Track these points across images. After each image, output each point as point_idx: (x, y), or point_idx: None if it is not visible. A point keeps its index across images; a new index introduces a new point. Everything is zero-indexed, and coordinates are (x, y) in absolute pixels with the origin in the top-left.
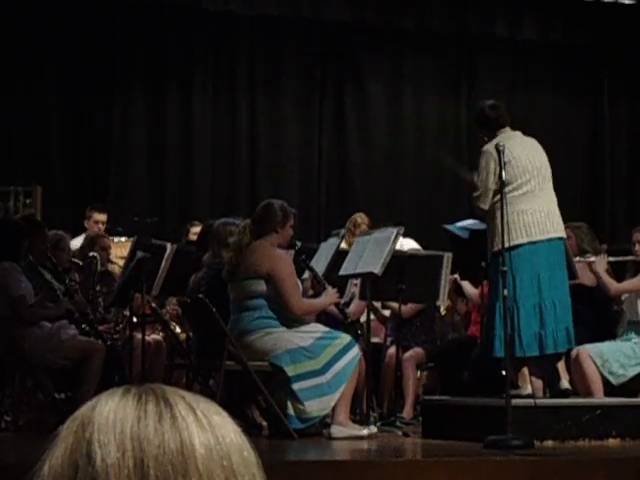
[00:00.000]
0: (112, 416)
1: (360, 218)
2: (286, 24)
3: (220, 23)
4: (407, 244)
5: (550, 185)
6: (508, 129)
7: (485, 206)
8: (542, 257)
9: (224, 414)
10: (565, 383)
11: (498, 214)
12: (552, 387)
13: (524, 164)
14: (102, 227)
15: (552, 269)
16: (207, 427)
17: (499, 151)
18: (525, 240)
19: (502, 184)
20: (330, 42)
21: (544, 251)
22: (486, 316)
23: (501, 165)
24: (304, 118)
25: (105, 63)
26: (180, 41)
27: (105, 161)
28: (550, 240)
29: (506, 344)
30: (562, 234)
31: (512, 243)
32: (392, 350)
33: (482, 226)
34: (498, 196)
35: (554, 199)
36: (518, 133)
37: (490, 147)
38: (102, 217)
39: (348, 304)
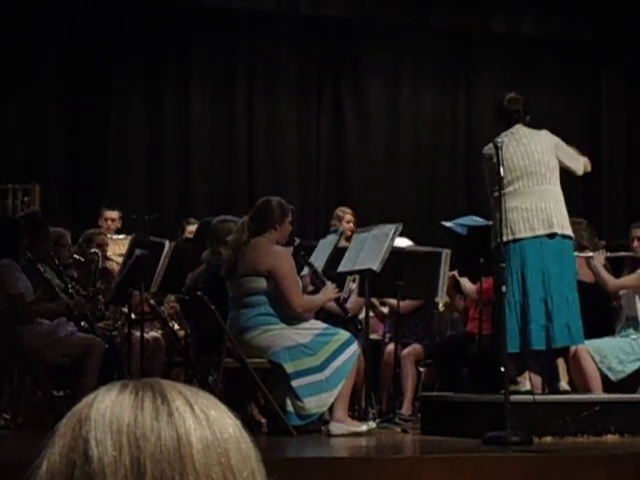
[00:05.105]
0: (109, 413)
1: (341, 211)
2: (285, 20)
3: (218, 20)
4: (402, 243)
5: (546, 183)
6: (519, 126)
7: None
8: (530, 253)
9: (222, 407)
10: (564, 384)
11: (495, 210)
12: (551, 387)
13: (514, 163)
14: (112, 224)
15: (543, 265)
16: (204, 423)
17: (497, 147)
18: (510, 237)
19: (500, 180)
20: (329, 38)
21: (532, 248)
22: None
23: (499, 162)
24: (302, 114)
25: (103, 61)
26: (178, 37)
27: (103, 159)
28: (537, 237)
29: (499, 339)
30: (555, 230)
31: (502, 239)
32: (391, 347)
33: (480, 223)
34: (496, 193)
35: (549, 197)
36: (523, 130)
37: (487, 148)
38: (112, 214)
39: (346, 300)
